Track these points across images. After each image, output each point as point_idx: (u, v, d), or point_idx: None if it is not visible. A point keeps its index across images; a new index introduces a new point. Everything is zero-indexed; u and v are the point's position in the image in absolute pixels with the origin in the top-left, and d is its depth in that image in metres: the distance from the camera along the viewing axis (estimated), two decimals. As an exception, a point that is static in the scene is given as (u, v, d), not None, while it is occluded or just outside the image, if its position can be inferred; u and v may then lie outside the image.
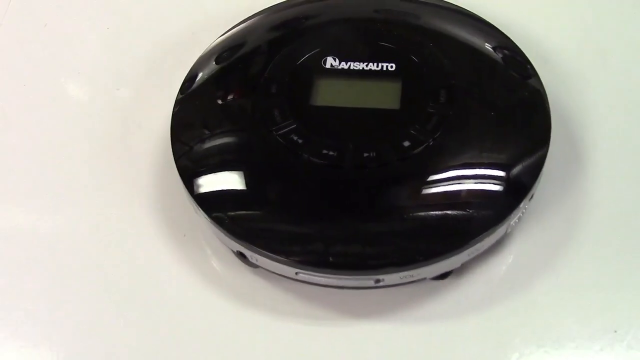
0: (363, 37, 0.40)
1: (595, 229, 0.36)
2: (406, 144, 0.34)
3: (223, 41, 0.41)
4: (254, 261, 0.34)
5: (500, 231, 0.34)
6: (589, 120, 0.39)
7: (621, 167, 0.38)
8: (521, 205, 0.34)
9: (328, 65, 0.38)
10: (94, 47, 0.47)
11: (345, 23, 0.41)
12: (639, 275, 0.35)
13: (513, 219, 0.34)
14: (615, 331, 0.33)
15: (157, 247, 0.37)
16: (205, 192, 0.35)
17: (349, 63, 0.38)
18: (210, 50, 0.41)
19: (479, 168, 0.34)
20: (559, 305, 0.34)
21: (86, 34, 0.47)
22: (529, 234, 0.36)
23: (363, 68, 0.37)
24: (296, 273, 0.33)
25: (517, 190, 0.34)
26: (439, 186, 0.34)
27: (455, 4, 0.42)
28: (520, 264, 0.35)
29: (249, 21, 0.42)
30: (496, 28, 0.40)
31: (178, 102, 0.38)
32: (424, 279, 0.33)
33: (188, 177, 0.35)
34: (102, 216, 0.38)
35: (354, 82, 0.37)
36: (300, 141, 0.35)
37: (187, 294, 0.35)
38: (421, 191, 0.34)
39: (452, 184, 0.34)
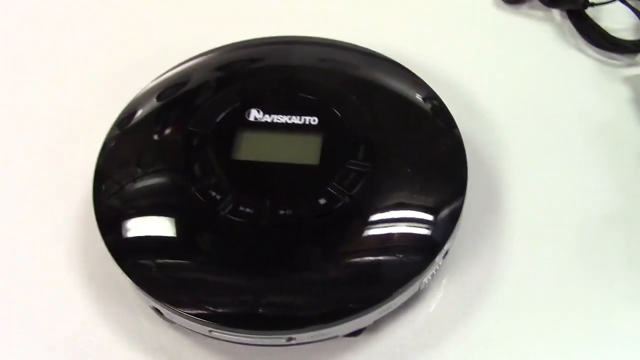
0: (288, 89, 0.40)
1: (509, 284, 0.37)
2: (322, 201, 0.35)
3: (154, 86, 0.41)
4: (169, 318, 0.34)
5: (412, 289, 0.34)
6: (506, 169, 0.40)
7: (536, 219, 0.39)
8: (434, 262, 0.34)
9: (252, 118, 0.38)
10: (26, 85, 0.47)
11: (272, 72, 0.41)
12: (551, 330, 0.36)
13: (426, 277, 0.34)
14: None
15: (75, 295, 0.37)
16: (120, 243, 0.35)
17: (272, 116, 0.38)
18: (138, 97, 0.41)
19: (393, 226, 0.35)
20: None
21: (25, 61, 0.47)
22: (444, 289, 0.37)
23: (286, 121, 0.38)
24: (209, 331, 0.33)
25: (430, 247, 0.34)
26: (352, 244, 0.34)
27: (377, 51, 0.42)
28: (434, 320, 0.36)
29: (181, 66, 0.42)
30: (416, 76, 0.40)
31: (105, 144, 0.39)
32: (337, 336, 0.34)
33: (104, 225, 0.35)
34: (19, 258, 0.38)
35: (276, 136, 0.38)
36: (218, 197, 0.35)
37: (104, 346, 0.36)
38: (333, 250, 0.34)
39: (365, 242, 0.34)
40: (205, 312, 0.33)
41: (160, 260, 0.35)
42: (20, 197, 0.41)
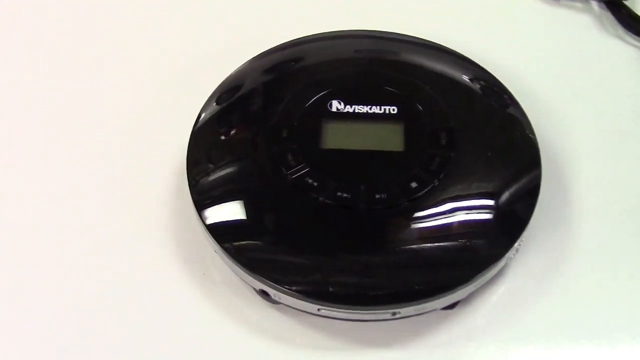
0: (364, 80, 0.42)
1: (584, 258, 0.39)
2: (413, 184, 0.37)
3: (231, 81, 0.43)
4: (276, 299, 0.36)
5: (500, 263, 0.37)
6: (574, 156, 0.43)
7: (606, 193, 0.42)
8: (519, 238, 0.37)
9: (334, 109, 0.40)
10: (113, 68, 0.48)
11: (346, 65, 0.43)
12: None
13: (512, 252, 0.37)
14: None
15: (176, 286, 0.39)
16: (226, 230, 0.37)
17: (353, 106, 0.40)
18: (220, 87, 0.42)
19: (480, 207, 0.37)
20: (555, 327, 0.37)
21: (104, 58, 0.49)
22: (524, 264, 0.39)
23: (367, 111, 0.40)
24: (318, 309, 0.35)
25: (515, 225, 0.37)
26: (445, 226, 0.37)
27: (445, 45, 0.45)
28: (516, 293, 0.38)
29: (259, 60, 0.44)
30: (487, 71, 0.43)
31: (194, 135, 0.40)
32: (435, 309, 0.36)
33: (206, 213, 0.37)
34: (118, 250, 0.40)
35: (360, 125, 0.40)
36: (315, 184, 0.37)
37: (210, 333, 0.37)
38: (429, 231, 0.36)
39: (457, 223, 0.37)
40: (316, 290, 0.35)
41: (269, 244, 0.37)
42: (117, 189, 0.42)
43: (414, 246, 0.36)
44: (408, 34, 0.45)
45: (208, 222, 0.37)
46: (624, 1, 0.49)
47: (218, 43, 0.49)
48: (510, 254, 0.37)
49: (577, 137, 0.44)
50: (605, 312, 0.38)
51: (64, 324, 0.38)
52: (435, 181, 0.37)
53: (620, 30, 0.49)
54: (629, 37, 0.49)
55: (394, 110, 0.40)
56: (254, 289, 0.37)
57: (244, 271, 0.36)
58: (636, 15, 0.49)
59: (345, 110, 0.40)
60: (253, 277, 0.36)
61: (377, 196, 0.37)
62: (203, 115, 0.41)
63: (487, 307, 0.38)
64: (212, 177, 0.39)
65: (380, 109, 0.40)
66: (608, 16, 0.50)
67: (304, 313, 0.36)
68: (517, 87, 0.44)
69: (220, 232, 0.37)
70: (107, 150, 0.44)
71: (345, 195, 0.37)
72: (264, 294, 0.37)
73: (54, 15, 0.52)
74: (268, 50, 0.44)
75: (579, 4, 0.51)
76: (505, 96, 0.42)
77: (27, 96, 0.47)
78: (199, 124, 0.41)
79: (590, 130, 0.44)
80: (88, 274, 0.39)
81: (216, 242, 0.37)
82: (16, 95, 0.47)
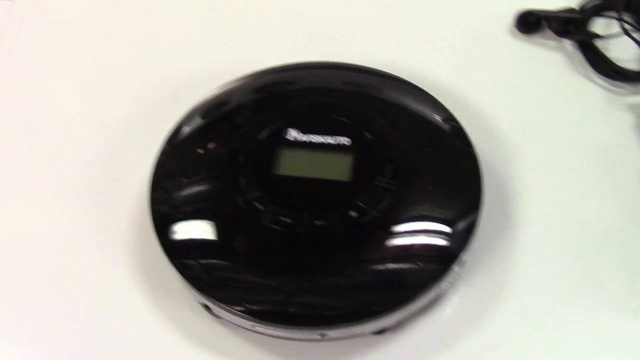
0: (321, 111, 0.44)
1: (521, 292, 0.41)
2: (353, 214, 0.39)
3: (200, 106, 0.46)
4: (217, 314, 0.39)
5: (431, 294, 0.39)
6: (520, 188, 0.45)
7: (545, 233, 0.43)
8: (451, 270, 0.39)
9: (290, 138, 0.43)
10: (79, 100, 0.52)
11: (305, 95, 0.46)
12: (556, 338, 0.40)
13: (443, 283, 0.39)
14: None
15: (131, 294, 0.42)
16: (174, 245, 0.40)
17: (308, 136, 0.43)
18: (185, 117, 0.45)
19: (415, 237, 0.39)
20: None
21: (72, 86, 0.52)
22: (461, 295, 0.41)
23: (321, 141, 0.43)
24: (252, 325, 0.38)
25: (448, 257, 0.39)
26: (378, 253, 0.39)
27: (399, 75, 0.47)
28: (450, 323, 0.40)
29: (223, 89, 0.47)
30: (436, 100, 0.45)
31: (159, 157, 0.43)
32: (364, 334, 0.38)
33: (160, 224, 0.40)
34: (79, 259, 0.43)
35: (311, 153, 0.42)
36: (261, 208, 0.40)
37: (154, 340, 0.40)
38: (362, 257, 0.39)
39: (390, 251, 0.39)
40: (249, 308, 0.37)
41: (211, 261, 0.40)
42: (80, 204, 0.46)
43: (346, 271, 0.38)
44: (371, 66, 0.47)
45: (162, 240, 0.40)
46: (594, 42, 0.51)
47: (182, 74, 0.51)
48: (442, 284, 0.39)
49: (528, 173, 0.45)
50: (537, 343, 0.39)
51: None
52: (374, 211, 0.39)
53: (590, 70, 0.50)
54: (597, 78, 0.50)
55: (346, 141, 0.42)
56: (199, 303, 0.40)
57: (188, 285, 0.39)
58: (605, 57, 0.50)
59: (300, 140, 0.43)
60: (195, 292, 0.38)
61: (317, 222, 0.39)
62: (169, 139, 0.44)
63: (418, 335, 0.40)
64: (172, 195, 0.42)
65: (333, 140, 0.43)
66: (579, 56, 0.51)
67: (242, 329, 0.39)
68: (476, 119, 0.46)
69: (171, 248, 0.40)
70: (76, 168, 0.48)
71: (288, 220, 0.39)
72: (206, 308, 0.39)
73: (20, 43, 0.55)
74: (231, 81, 0.47)
75: (552, 42, 0.52)
76: (458, 130, 0.44)
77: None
78: (164, 148, 0.44)
79: (543, 167, 0.46)
80: (46, 273, 0.43)
81: (167, 258, 0.39)
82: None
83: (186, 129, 0.45)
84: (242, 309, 0.37)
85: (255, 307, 0.38)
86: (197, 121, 0.45)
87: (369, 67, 0.47)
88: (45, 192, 0.47)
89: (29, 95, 0.52)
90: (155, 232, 0.40)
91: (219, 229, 0.40)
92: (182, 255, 0.40)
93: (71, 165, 0.48)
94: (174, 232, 0.40)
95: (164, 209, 0.41)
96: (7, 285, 0.43)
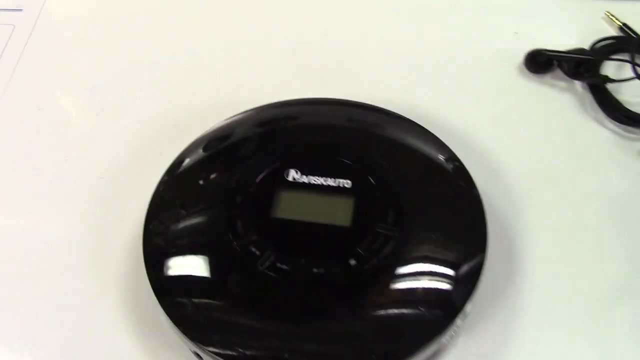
0: (323, 151, 0.43)
1: (523, 345, 0.40)
2: (352, 262, 0.38)
3: (202, 139, 0.45)
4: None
5: (431, 348, 0.37)
6: (525, 233, 0.43)
7: (550, 284, 0.42)
8: (453, 324, 0.37)
9: (290, 179, 0.41)
10: (82, 133, 0.50)
11: (309, 135, 0.44)
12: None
13: (444, 337, 0.37)
14: None
15: (121, 336, 0.41)
16: (164, 280, 0.39)
17: (309, 177, 0.41)
18: (187, 149, 0.44)
19: (416, 290, 0.38)
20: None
21: (76, 120, 0.51)
22: (461, 348, 0.39)
23: (322, 183, 0.41)
24: (243, 375, 0.36)
25: (449, 311, 0.37)
26: (377, 305, 0.37)
27: (405, 114, 0.45)
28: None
29: (223, 126, 0.45)
30: (442, 142, 0.44)
31: (155, 195, 0.42)
32: (360, 387, 0.37)
33: (152, 260, 0.39)
34: (72, 299, 0.42)
35: (311, 196, 0.41)
36: (257, 253, 0.38)
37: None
38: (360, 308, 0.37)
39: (389, 303, 0.37)
40: (241, 354, 0.36)
41: (204, 308, 0.38)
42: (73, 240, 0.45)
43: (343, 321, 0.37)
44: (377, 104, 0.46)
45: (152, 279, 0.39)
46: (605, 85, 0.49)
47: (182, 111, 0.51)
48: (442, 337, 0.37)
49: (535, 218, 0.44)
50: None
51: None
52: (375, 260, 0.38)
53: (601, 114, 0.49)
54: (608, 122, 0.49)
55: (347, 184, 0.41)
56: (190, 350, 0.38)
57: (179, 333, 0.37)
58: (617, 100, 0.49)
59: (300, 181, 0.41)
60: (186, 339, 0.37)
61: (315, 270, 0.38)
62: (166, 176, 0.43)
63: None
64: (166, 234, 0.41)
65: (334, 182, 0.41)
66: (589, 98, 0.50)
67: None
68: (482, 161, 0.45)
69: (160, 285, 0.39)
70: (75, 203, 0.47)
71: (284, 267, 0.38)
72: (198, 356, 0.38)
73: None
74: (232, 117, 0.46)
75: (562, 83, 0.51)
76: (462, 173, 0.42)
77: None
78: (160, 186, 0.43)
79: (550, 212, 0.44)
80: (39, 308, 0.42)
81: (156, 295, 0.38)
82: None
83: (186, 161, 0.44)
84: (234, 354, 0.36)
85: (247, 353, 0.36)
86: (199, 154, 0.44)
87: (374, 105, 0.46)
88: (45, 212, 0.46)
89: (30, 117, 0.51)
90: (146, 268, 0.39)
91: (212, 271, 0.39)
92: (170, 293, 0.38)
93: (73, 189, 0.47)
94: (165, 269, 0.39)
95: (158, 255, 0.40)
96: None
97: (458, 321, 0.37)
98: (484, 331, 0.40)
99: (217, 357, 0.36)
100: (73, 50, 0.56)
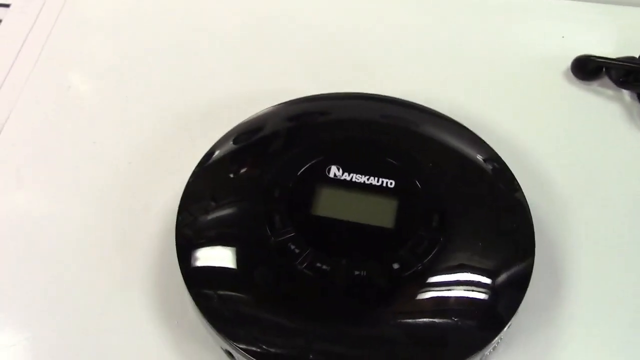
0: (367, 148, 0.41)
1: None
2: (395, 266, 0.36)
3: (231, 136, 0.43)
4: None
5: (474, 359, 0.35)
6: (571, 245, 0.42)
7: (596, 300, 0.40)
8: (497, 337, 0.35)
9: (331, 175, 0.40)
10: (112, 118, 0.49)
11: (351, 131, 0.43)
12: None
13: (488, 349, 0.36)
14: None
15: (149, 331, 0.39)
16: (198, 282, 0.37)
17: (351, 175, 0.40)
18: (217, 144, 0.42)
19: (460, 299, 0.36)
20: None
21: (106, 103, 0.50)
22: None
23: (364, 181, 0.40)
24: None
25: (495, 322, 0.36)
26: (419, 312, 0.36)
27: (451, 116, 0.44)
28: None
29: (263, 116, 0.44)
30: (491, 148, 0.42)
31: (189, 185, 0.40)
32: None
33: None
34: (100, 291, 0.41)
35: (354, 195, 0.39)
36: (296, 251, 0.37)
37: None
38: (401, 315, 0.36)
39: (432, 311, 0.36)
40: (272, 356, 0.34)
41: (239, 305, 0.36)
42: (98, 226, 0.43)
43: (384, 328, 0.35)
44: (426, 105, 0.44)
45: (184, 271, 0.37)
46: (655, 95, 0.48)
47: (216, 99, 0.49)
48: (486, 350, 0.36)
49: (582, 230, 0.42)
50: None
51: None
52: (419, 265, 0.36)
53: (648, 124, 0.48)
54: (655, 133, 0.47)
55: (391, 184, 0.39)
56: (221, 348, 0.37)
57: (210, 327, 0.36)
58: (667, 111, 0.47)
59: (342, 178, 0.40)
60: (219, 337, 0.35)
61: (356, 272, 0.36)
62: (200, 167, 0.41)
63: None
64: (199, 226, 0.39)
65: (377, 181, 0.40)
66: (638, 108, 0.48)
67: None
68: (527, 167, 0.43)
69: (194, 285, 0.37)
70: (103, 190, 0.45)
71: (324, 267, 0.36)
72: (230, 355, 0.36)
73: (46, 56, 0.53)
74: (273, 106, 0.44)
75: (609, 91, 0.49)
76: (510, 181, 0.41)
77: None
78: (194, 176, 0.41)
79: (597, 225, 0.43)
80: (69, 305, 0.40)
81: (190, 296, 0.36)
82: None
83: (221, 153, 0.42)
84: (267, 353, 0.34)
85: (281, 353, 0.35)
86: (234, 145, 0.42)
87: (422, 105, 0.44)
88: (71, 196, 0.44)
89: (59, 105, 0.49)
90: (178, 260, 0.38)
91: (247, 266, 0.37)
92: (201, 285, 0.37)
93: (101, 174, 0.46)
94: (197, 262, 0.38)
95: (193, 252, 0.38)
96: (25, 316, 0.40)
97: (502, 334, 0.36)
98: (524, 344, 0.39)
99: (248, 356, 0.35)
100: (105, 33, 0.54)
